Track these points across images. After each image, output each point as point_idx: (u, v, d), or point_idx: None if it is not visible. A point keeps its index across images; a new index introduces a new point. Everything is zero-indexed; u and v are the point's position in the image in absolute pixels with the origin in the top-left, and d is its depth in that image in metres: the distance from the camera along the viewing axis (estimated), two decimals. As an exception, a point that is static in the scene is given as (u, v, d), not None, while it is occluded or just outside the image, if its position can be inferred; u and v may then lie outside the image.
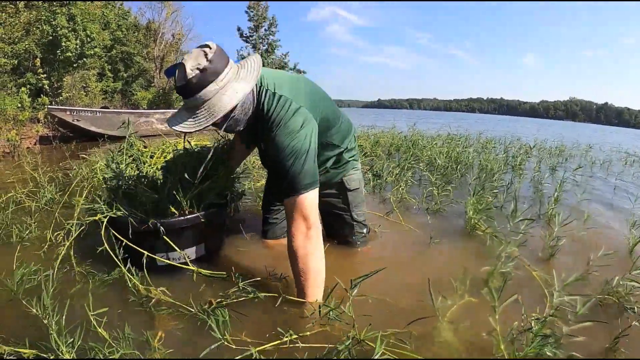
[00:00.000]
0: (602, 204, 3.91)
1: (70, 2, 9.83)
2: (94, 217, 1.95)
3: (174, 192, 1.95)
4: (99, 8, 12.61)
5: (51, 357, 1.23)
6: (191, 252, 2.01)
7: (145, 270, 1.80)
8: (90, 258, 2.04)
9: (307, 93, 1.87)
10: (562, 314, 1.46)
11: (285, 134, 1.68)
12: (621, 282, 1.87)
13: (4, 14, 9.11)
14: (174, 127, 1.61)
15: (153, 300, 1.68)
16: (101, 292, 1.77)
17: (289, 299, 1.65)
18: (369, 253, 2.36)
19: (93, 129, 8.46)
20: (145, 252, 1.85)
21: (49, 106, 8.24)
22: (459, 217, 3.06)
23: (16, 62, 9.51)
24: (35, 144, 7.53)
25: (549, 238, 2.39)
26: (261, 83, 1.78)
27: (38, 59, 9.59)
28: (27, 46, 9.57)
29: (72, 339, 1.26)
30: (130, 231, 1.85)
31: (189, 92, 1.58)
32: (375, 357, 1.24)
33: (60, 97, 10.30)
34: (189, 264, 1.91)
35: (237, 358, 1.30)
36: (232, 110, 1.66)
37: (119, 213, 1.91)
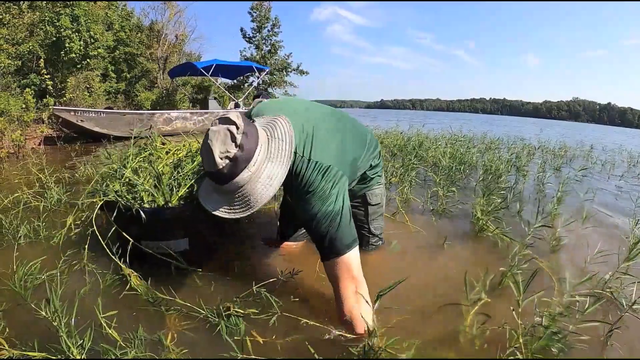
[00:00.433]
0: (604, 204, 3.90)
1: (74, 2, 9.84)
2: (92, 199, 2.00)
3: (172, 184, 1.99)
4: (103, 9, 12.64)
5: (62, 359, 1.23)
6: (173, 245, 2.00)
7: (128, 260, 1.84)
8: (97, 257, 2.06)
9: (338, 142, 1.81)
10: (567, 310, 1.47)
11: (316, 199, 1.62)
12: (615, 278, 1.94)
13: (7, 15, 9.14)
14: (214, 212, 1.56)
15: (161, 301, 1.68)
16: (109, 292, 1.78)
17: (310, 324, 1.61)
18: (384, 259, 2.35)
19: (97, 129, 8.48)
20: (130, 238, 1.90)
21: (54, 107, 8.27)
22: (465, 218, 3.06)
23: (20, 63, 9.54)
24: (39, 145, 7.54)
25: (553, 238, 2.41)
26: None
27: (42, 59, 9.61)
28: (30, 47, 9.60)
29: (82, 341, 1.26)
30: (114, 214, 1.90)
31: (220, 180, 1.51)
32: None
33: (64, 98, 10.32)
34: (174, 255, 1.95)
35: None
36: None
37: (113, 197, 1.97)
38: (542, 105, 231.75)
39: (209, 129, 1.52)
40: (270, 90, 25.40)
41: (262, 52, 26.81)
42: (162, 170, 2.19)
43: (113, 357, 1.24)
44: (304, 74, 27.88)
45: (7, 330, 1.38)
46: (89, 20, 10.03)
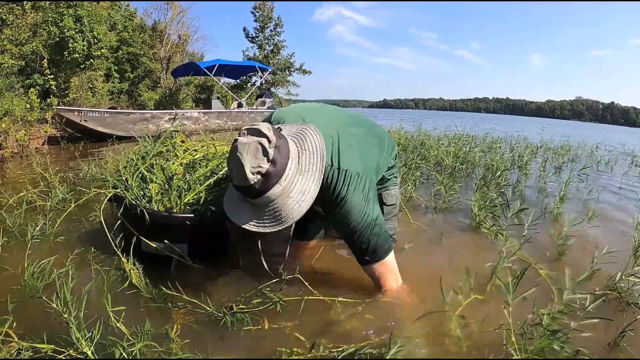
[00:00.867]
0: (608, 203, 3.91)
1: (77, 3, 9.87)
2: (99, 190, 2.02)
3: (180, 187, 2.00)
4: (106, 9, 12.67)
5: (70, 352, 1.26)
6: (171, 249, 2.00)
7: (132, 255, 1.86)
8: (105, 253, 2.09)
9: (362, 148, 1.80)
10: (569, 308, 1.47)
11: (354, 212, 1.63)
12: (623, 278, 1.90)
13: (11, 15, 9.18)
14: (243, 226, 1.54)
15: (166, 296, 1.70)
16: (117, 287, 1.80)
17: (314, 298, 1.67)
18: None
19: (101, 129, 8.52)
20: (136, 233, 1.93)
21: (57, 107, 8.30)
22: (466, 217, 3.08)
23: (23, 63, 9.58)
24: (43, 145, 7.57)
25: (558, 237, 2.41)
26: None
27: (45, 60, 9.64)
28: (34, 47, 9.64)
29: (90, 334, 1.28)
30: (122, 210, 1.93)
31: (250, 194, 1.48)
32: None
33: (68, 98, 10.36)
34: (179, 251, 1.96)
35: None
36: None
37: (121, 192, 2.00)
38: (545, 105, 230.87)
39: (236, 140, 1.46)
40: (273, 90, 25.40)
41: (265, 51, 26.80)
42: (175, 170, 2.20)
43: (117, 358, 1.26)
44: (306, 73, 27.89)
45: (16, 323, 1.40)
46: (92, 21, 10.05)
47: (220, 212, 1.75)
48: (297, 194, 1.50)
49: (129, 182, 2.07)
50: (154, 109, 14.26)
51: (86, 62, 10.41)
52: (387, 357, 1.29)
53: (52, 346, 1.28)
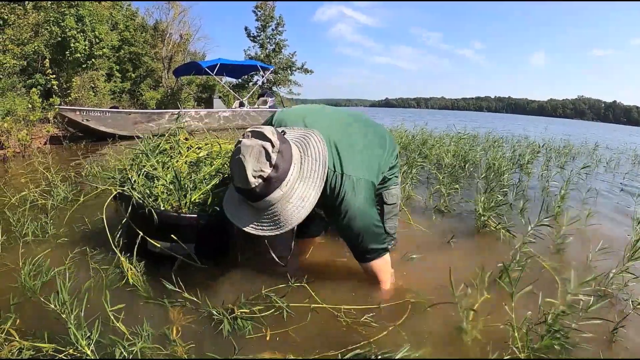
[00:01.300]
0: (609, 203, 3.90)
1: (79, 2, 9.87)
2: (105, 186, 2.02)
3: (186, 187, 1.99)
4: (107, 9, 12.68)
5: (70, 351, 1.26)
6: (178, 248, 1.99)
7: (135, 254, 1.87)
8: (105, 252, 2.09)
9: (364, 151, 1.82)
10: (571, 308, 1.47)
11: (357, 217, 1.66)
12: (617, 275, 1.94)
13: (12, 15, 9.18)
14: (243, 228, 1.55)
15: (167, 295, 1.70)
16: (117, 286, 1.80)
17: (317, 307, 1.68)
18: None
19: (102, 128, 8.53)
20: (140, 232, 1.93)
21: (59, 106, 8.31)
22: (467, 216, 3.07)
23: (25, 63, 9.58)
24: (45, 144, 7.59)
25: (557, 235, 2.42)
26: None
27: (47, 59, 9.65)
28: (36, 47, 9.64)
29: (90, 333, 1.29)
30: (129, 208, 1.92)
31: (250, 197, 1.48)
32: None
33: (70, 98, 10.37)
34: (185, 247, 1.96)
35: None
36: None
37: (128, 191, 1.99)
38: (547, 104, 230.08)
39: (240, 142, 1.47)
40: (274, 89, 25.39)
41: (267, 51, 26.79)
42: (179, 168, 2.19)
43: (117, 357, 1.26)
44: (308, 72, 27.86)
45: (18, 322, 1.40)
46: (93, 20, 10.05)
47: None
48: (297, 199, 1.50)
49: (135, 180, 2.07)
50: (155, 109, 14.27)
51: (88, 61, 10.41)
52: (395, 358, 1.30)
53: (53, 345, 1.29)
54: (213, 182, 2.10)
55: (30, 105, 7.85)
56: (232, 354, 1.38)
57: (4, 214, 2.56)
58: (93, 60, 10.56)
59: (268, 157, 1.42)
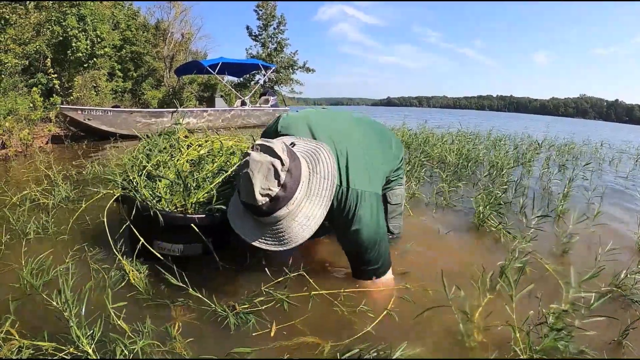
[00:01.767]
0: (612, 202, 3.88)
1: (81, 2, 9.87)
2: (107, 190, 2.01)
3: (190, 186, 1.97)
4: (109, 8, 12.67)
5: (71, 349, 1.25)
6: (188, 249, 1.98)
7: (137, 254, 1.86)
8: (106, 251, 2.08)
9: (370, 161, 1.80)
10: (574, 307, 1.45)
11: (363, 232, 1.64)
12: (628, 276, 1.90)
13: (14, 15, 9.18)
14: (247, 240, 1.55)
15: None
16: (118, 285, 1.79)
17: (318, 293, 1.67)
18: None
19: (104, 127, 8.53)
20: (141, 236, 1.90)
21: (61, 106, 8.32)
22: (470, 214, 3.06)
23: (27, 62, 9.58)
24: (47, 143, 7.59)
25: (562, 235, 2.40)
26: None
27: (49, 59, 9.65)
28: (37, 47, 9.63)
29: (91, 331, 1.28)
30: (133, 211, 1.88)
31: (256, 213, 1.48)
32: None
33: (71, 97, 10.37)
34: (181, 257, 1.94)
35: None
36: None
37: (131, 192, 1.98)
38: (550, 102, 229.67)
39: (248, 155, 1.45)
40: (276, 88, 25.40)
41: (268, 49, 26.83)
42: (181, 167, 2.17)
43: (117, 357, 1.25)
44: (310, 71, 27.87)
45: (18, 321, 1.39)
46: (95, 20, 10.05)
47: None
48: (302, 218, 1.49)
49: (136, 182, 2.04)
50: (157, 108, 14.27)
51: (89, 61, 10.41)
52: (393, 358, 1.29)
53: (53, 344, 1.28)
54: (217, 181, 2.08)
55: (31, 105, 7.85)
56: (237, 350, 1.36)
57: (5, 214, 2.55)
58: (95, 59, 10.55)
59: (277, 175, 1.40)
